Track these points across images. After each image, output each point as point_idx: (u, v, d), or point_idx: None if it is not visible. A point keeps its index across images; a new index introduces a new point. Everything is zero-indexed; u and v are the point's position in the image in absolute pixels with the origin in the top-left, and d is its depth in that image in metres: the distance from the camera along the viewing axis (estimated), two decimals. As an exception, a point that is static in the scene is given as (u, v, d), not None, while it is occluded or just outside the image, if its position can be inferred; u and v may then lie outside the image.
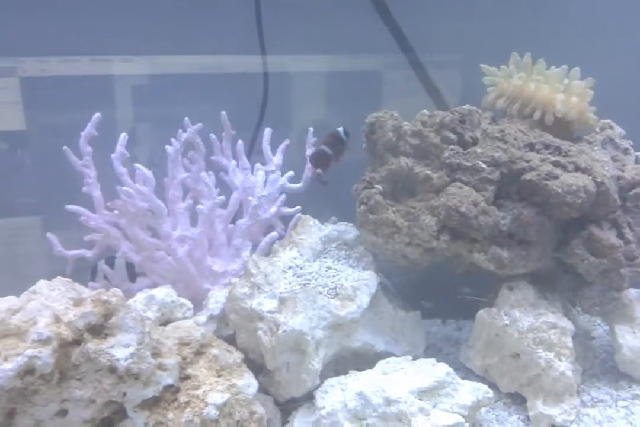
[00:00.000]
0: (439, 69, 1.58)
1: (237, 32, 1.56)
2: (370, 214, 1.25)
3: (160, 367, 1.02)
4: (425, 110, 1.30)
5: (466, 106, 1.30)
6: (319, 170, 1.32)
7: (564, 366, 1.14)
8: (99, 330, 1.00)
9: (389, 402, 1.03)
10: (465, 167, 1.22)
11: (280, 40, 1.57)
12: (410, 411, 1.03)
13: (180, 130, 1.38)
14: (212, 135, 1.44)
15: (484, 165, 1.21)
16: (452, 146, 1.24)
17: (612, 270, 1.19)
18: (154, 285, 1.36)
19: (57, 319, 1.00)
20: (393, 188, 1.27)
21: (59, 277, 1.14)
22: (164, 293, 1.24)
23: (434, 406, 1.06)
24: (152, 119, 1.60)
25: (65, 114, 1.49)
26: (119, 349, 0.98)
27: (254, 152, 1.55)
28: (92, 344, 0.97)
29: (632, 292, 1.27)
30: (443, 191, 1.21)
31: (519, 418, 1.16)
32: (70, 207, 1.33)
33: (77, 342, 0.98)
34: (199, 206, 1.37)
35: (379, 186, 1.26)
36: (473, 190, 1.20)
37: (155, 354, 1.03)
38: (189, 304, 1.27)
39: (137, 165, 1.33)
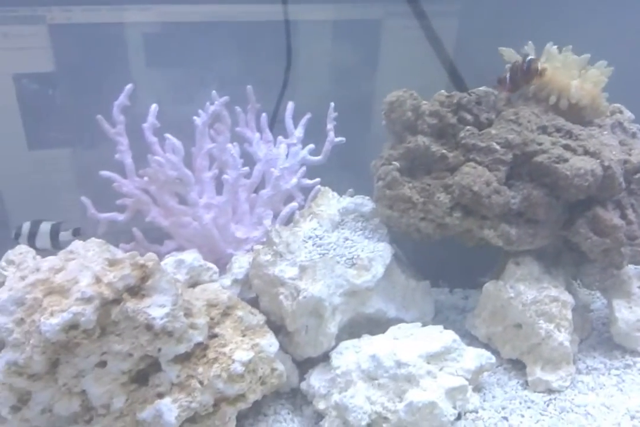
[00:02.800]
0: (436, 19, 1.59)
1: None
2: (387, 189, 1.31)
3: (192, 326, 1.11)
4: (443, 91, 1.35)
5: (483, 88, 1.34)
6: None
7: (563, 337, 1.22)
8: (136, 291, 1.07)
9: (399, 364, 1.12)
10: (479, 148, 1.28)
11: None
12: (418, 373, 1.12)
13: (207, 103, 1.44)
14: (238, 108, 1.50)
15: (497, 147, 1.26)
16: (468, 127, 1.30)
17: (613, 249, 1.26)
18: (181, 248, 1.44)
19: (97, 280, 1.07)
20: (410, 165, 1.32)
21: (92, 238, 1.22)
22: (192, 257, 1.31)
23: (440, 370, 1.15)
24: (166, 65, 1.64)
25: (88, 58, 1.57)
26: (155, 309, 1.06)
27: (275, 124, 1.61)
28: (130, 304, 1.05)
29: (631, 268, 1.35)
30: (457, 170, 1.27)
31: (518, 382, 1.25)
32: (103, 173, 1.41)
33: (116, 301, 1.05)
34: (224, 176, 1.44)
35: (396, 163, 1.32)
36: (486, 170, 1.26)
37: (187, 314, 1.11)
38: (215, 268, 1.34)
39: (167, 135, 1.39)
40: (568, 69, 1.30)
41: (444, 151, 1.30)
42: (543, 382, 1.21)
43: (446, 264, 1.57)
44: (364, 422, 1.08)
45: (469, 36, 1.54)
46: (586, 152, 1.26)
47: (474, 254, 1.45)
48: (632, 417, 1.12)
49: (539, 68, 1.28)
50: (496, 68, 1.37)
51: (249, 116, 1.52)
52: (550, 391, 1.21)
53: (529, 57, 1.29)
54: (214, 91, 1.44)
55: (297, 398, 1.24)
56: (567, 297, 1.25)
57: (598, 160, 1.24)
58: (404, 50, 1.66)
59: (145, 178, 1.42)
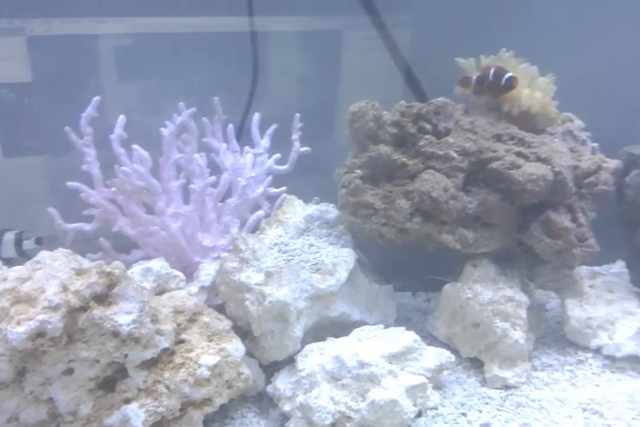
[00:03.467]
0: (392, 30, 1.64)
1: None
2: (350, 196, 1.36)
3: (159, 332, 1.13)
4: (403, 102, 1.40)
5: (441, 98, 1.40)
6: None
7: (518, 335, 1.28)
8: (103, 298, 1.09)
9: (362, 365, 1.16)
10: (438, 156, 1.33)
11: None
12: (380, 372, 1.16)
13: (175, 114, 1.47)
14: (205, 119, 1.53)
15: (455, 155, 1.32)
16: (427, 136, 1.35)
17: (565, 250, 1.32)
18: (148, 257, 1.46)
19: (64, 288, 1.08)
20: (372, 173, 1.37)
21: (60, 248, 1.23)
22: (159, 265, 1.33)
23: (401, 369, 1.19)
24: (139, 76, 1.68)
25: (65, 69, 1.60)
26: (122, 316, 1.08)
27: (242, 134, 1.64)
28: (97, 311, 1.07)
29: (582, 269, 1.41)
30: (417, 177, 1.32)
31: (476, 380, 1.29)
32: (71, 184, 1.42)
33: (83, 309, 1.07)
34: (192, 185, 1.47)
35: (359, 171, 1.36)
36: (444, 177, 1.31)
37: (154, 321, 1.13)
38: (182, 276, 1.36)
39: (134, 146, 1.42)
40: (520, 77, 1.36)
41: (405, 159, 1.35)
42: (500, 379, 1.26)
43: (409, 268, 1.61)
44: (327, 422, 1.11)
45: (422, 46, 1.59)
46: (538, 159, 1.32)
47: (436, 258, 1.51)
48: (584, 410, 1.18)
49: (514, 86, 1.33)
50: (447, 77, 1.43)
51: (215, 127, 1.56)
52: (507, 387, 1.26)
53: (509, 75, 1.34)
54: (181, 102, 1.47)
55: (263, 401, 1.27)
56: (522, 297, 1.31)
57: (549, 167, 1.30)
58: (364, 61, 1.71)
59: (113, 188, 1.45)
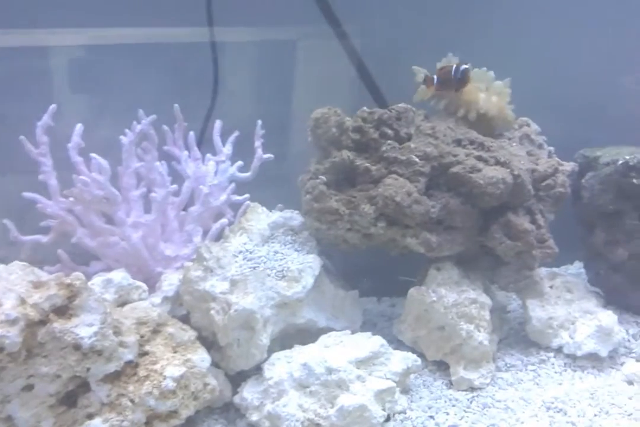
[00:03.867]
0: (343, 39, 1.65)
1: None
2: (315, 202, 1.35)
3: (121, 344, 1.11)
4: (365, 107, 1.41)
5: (402, 104, 1.41)
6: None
7: (482, 336, 1.29)
8: (63, 311, 1.06)
9: (330, 371, 1.16)
10: (400, 161, 1.34)
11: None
12: (349, 378, 1.15)
13: (134, 122, 1.45)
14: (165, 127, 1.51)
15: (417, 159, 1.33)
16: (389, 141, 1.36)
17: (526, 251, 1.35)
18: (109, 269, 1.43)
19: (22, 301, 1.05)
20: (336, 179, 1.37)
21: (16, 261, 1.20)
22: (121, 276, 1.30)
23: (369, 374, 1.19)
24: (94, 88, 1.65)
25: (18, 80, 1.56)
26: (83, 328, 1.06)
27: (203, 142, 1.62)
28: (57, 324, 1.04)
29: (542, 270, 1.44)
30: (381, 182, 1.33)
31: (442, 383, 1.30)
32: (26, 194, 1.39)
33: (42, 322, 1.04)
34: (153, 194, 1.44)
35: (323, 177, 1.36)
36: (407, 181, 1.32)
37: (116, 333, 1.11)
38: (144, 287, 1.34)
39: (93, 155, 1.39)
40: (476, 82, 1.39)
41: (368, 165, 1.36)
42: (466, 381, 1.27)
43: (373, 274, 1.62)
44: (297, 430, 1.10)
45: (370, 55, 1.62)
46: (497, 163, 1.34)
47: (399, 263, 1.52)
48: (548, 409, 1.20)
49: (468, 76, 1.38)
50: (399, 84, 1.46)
51: (176, 135, 1.54)
52: (472, 388, 1.28)
53: (464, 66, 1.38)
54: (140, 110, 1.45)
55: (230, 412, 1.25)
56: (485, 298, 1.33)
57: (508, 170, 1.33)
58: (322, 69, 1.73)
59: (71, 198, 1.41)
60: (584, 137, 1.59)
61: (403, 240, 1.34)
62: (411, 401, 1.24)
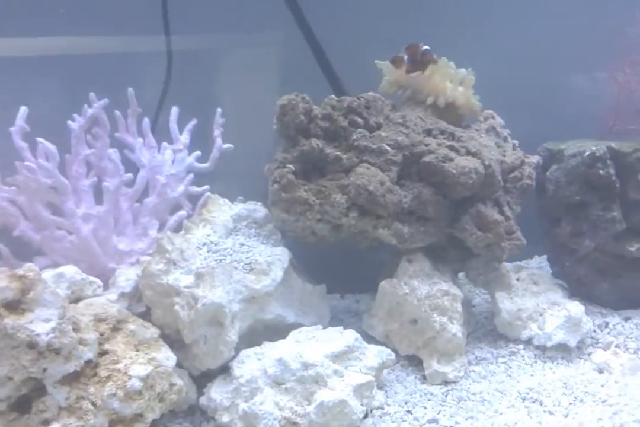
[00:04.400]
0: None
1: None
2: (283, 192, 1.29)
3: (81, 342, 1.01)
4: (333, 96, 1.37)
5: (370, 93, 1.38)
6: None
7: (455, 328, 1.27)
8: (15, 306, 0.96)
9: (306, 366, 1.10)
10: (371, 150, 1.31)
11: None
12: (326, 373, 1.10)
13: (85, 106, 1.35)
14: (117, 112, 1.41)
15: (388, 148, 1.30)
16: (359, 129, 1.33)
17: (495, 243, 1.34)
18: (55, 265, 1.31)
19: (-34, 296, 0.95)
20: (304, 168, 1.32)
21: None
22: (73, 271, 1.20)
23: (346, 368, 1.15)
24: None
25: None
26: (39, 324, 0.96)
27: (156, 130, 1.53)
28: (9, 320, 0.94)
29: (508, 264, 1.44)
30: (352, 171, 1.29)
31: (415, 377, 1.28)
32: (-38, 182, 1.25)
33: (-9, 318, 0.94)
34: (105, 183, 1.34)
35: (291, 166, 1.31)
36: (379, 170, 1.29)
37: (75, 329, 1.02)
38: (99, 282, 1.24)
39: (40, 139, 1.27)
40: (440, 72, 1.38)
41: (338, 153, 1.32)
42: (440, 375, 1.25)
43: (336, 270, 1.58)
44: (274, 429, 1.04)
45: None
46: (468, 153, 1.34)
47: (363, 259, 1.49)
48: (524, 399, 1.19)
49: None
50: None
51: (129, 121, 1.44)
52: (446, 382, 1.25)
53: (425, 48, 1.38)
54: (92, 93, 1.35)
55: (195, 415, 1.18)
56: (457, 290, 1.31)
57: (479, 160, 1.32)
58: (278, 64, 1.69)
59: (14, 187, 1.29)
60: (540, 133, 1.61)
61: (374, 231, 1.31)
62: (387, 396, 1.20)
